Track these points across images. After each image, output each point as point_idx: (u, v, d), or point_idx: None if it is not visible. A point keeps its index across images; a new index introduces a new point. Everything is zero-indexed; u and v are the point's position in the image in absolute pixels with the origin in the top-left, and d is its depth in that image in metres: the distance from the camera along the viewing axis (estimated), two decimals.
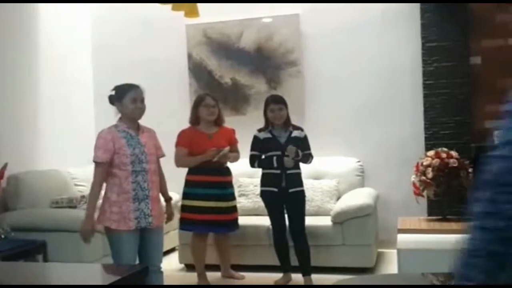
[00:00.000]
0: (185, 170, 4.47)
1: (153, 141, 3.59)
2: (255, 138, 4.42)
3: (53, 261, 4.18)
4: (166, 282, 4.36)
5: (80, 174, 5.17)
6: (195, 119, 4.46)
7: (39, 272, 2.32)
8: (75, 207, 4.72)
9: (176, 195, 4.58)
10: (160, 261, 3.64)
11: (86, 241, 3.42)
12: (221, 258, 4.57)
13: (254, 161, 4.42)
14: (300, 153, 4.25)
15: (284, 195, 4.29)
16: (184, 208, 4.43)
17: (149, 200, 3.43)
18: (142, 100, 3.52)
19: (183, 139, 4.41)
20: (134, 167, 3.39)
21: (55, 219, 4.48)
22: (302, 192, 4.36)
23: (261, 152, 4.40)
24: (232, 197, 4.49)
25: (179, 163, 4.40)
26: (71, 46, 5.90)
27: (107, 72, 5.93)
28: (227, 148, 4.34)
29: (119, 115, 3.51)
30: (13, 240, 4.22)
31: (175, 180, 4.29)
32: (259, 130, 4.43)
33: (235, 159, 4.52)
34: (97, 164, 3.39)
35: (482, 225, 0.98)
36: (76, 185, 5.17)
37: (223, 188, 4.41)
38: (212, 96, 4.55)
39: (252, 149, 4.42)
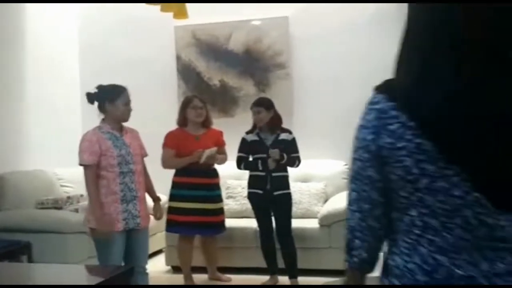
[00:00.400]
0: (172, 172, 4.45)
1: (137, 141, 3.62)
2: (243, 140, 4.43)
3: (38, 262, 4.13)
4: (152, 284, 4.34)
5: (66, 175, 5.13)
6: (182, 120, 4.45)
7: (24, 272, 2.30)
8: (60, 208, 4.68)
9: (163, 197, 4.55)
10: (146, 262, 3.64)
11: (109, 241, 3.36)
12: (207, 260, 4.55)
13: (240, 163, 4.44)
14: (285, 156, 4.25)
15: (269, 197, 4.29)
16: (170, 210, 4.41)
17: (136, 201, 3.45)
18: (130, 102, 3.58)
19: (170, 141, 4.40)
20: (121, 168, 3.40)
21: (41, 220, 4.45)
22: (288, 194, 4.35)
23: (248, 154, 4.41)
24: (219, 199, 4.48)
25: (166, 164, 4.39)
26: (58, 46, 5.86)
27: (94, 72, 5.88)
28: (214, 149, 4.33)
29: (102, 116, 3.51)
30: None
31: (162, 181, 4.28)
32: (247, 132, 4.44)
33: (223, 161, 4.52)
34: (86, 167, 3.39)
35: (353, 208, 1.31)
36: (62, 186, 5.13)
37: (210, 190, 4.40)
38: (199, 98, 4.55)
39: (240, 151, 4.43)
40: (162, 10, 4.62)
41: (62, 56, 5.91)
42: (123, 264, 3.41)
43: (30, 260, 4.20)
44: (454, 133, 1.12)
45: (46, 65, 5.58)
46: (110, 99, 3.48)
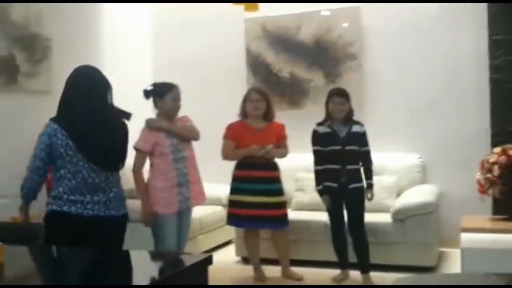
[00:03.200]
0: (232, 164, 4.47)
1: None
2: (315, 132, 4.37)
3: None
4: (223, 274, 4.40)
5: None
6: (243, 113, 4.45)
7: (104, 259, 2.37)
8: (135, 197, 4.81)
9: (226, 188, 4.61)
10: (185, 244, 3.90)
11: (150, 225, 3.72)
12: (278, 254, 4.52)
13: (318, 157, 4.34)
14: (370, 194, 4.29)
15: (343, 190, 4.23)
16: (231, 203, 4.42)
17: (189, 184, 3.78)
18: (180, 99, 3.84)
19: (230, 133, 4.41)
20: (175, 155, 3.73)
21: None
22: (362, 188, 4.28)
23: (320, 147, 4.34)
24: (280, 192, 4.41)
25: (225, 155, 4.41)
26: (132, 41, 6.02)
27: (167, 66, 6.03)
28: (270, 145, 4.29)
29: (157, 111, 3.84)
30: None
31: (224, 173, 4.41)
32: (318, 124, 4.37)
33: (283, 155, 4.47)
34: (137, 150, 3.71)
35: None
36: None
37: (271, 183, 4.37)
38: (258, 91, 4.50)
39: (314, 144, 4.37)
40: (234, 2, 4.63)
41: (136, 50, 6.08)
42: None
43: None
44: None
45: (121, 59, 5.74)
46: (160, 95, 3.79)
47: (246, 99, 4.43)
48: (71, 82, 2.92)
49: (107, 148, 2.84)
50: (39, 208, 3.02)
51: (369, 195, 4.27)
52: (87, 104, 2.83)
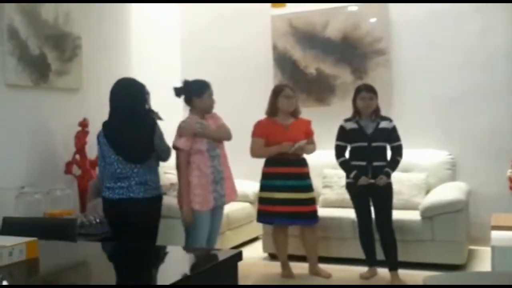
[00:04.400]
0: (261, 162, 4.47)
1: (215, 124, 3.93)
2: (341, 128, 4.35)
3: None
4: (250, 270, 4.42)
5: (169, 162, 5.30)
6: (273, 109, 4.42)
7: (136, 254, 2.41)
8: (165, 194, 4.85)
9: (255, 185, 4.62)
10: (216, 241, 3.95)
11: (190, 223, 3.77)
12: (306, 250, 4.51)
13: (339, 153, 4.34)
14: (390, 172, 4.19)
15: (370, 187, 4.20)
16: (261, 200, 4.43)
17: (224, 181, 3.87)
18: (213, 95, 3.94)
19: (259, 130, 4.41)
20: (210, 153, 3.81)
21: None
22: (389, 184, 4.24)
23: (346, 143, 4.32)
24: (310, 188, 4.40)
25: (255, 153, 4.41)
26: (161, 37, 6.07)
27: (194, 62, 6.08)
28: (303, 142, 4.28)
29: (188, 108, 3.94)
30: (107, 224, 4.42)
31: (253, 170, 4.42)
32: (346, 120, 4.35)
33: (311, 151, 4.45)
34: (180, 150, 3.76)
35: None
36: (165, 173, 5.32)
37: (301, 179, 4.36)
38: (290, 87, 4.52)
39: (338, 139, 4.35)
40: (273, 6, 4.62)
41: (164, 48, 6.12)
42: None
43: None
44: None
45: (149, 57, 5.79)
46: (198, 93, 3.85)
47: (277, 95, 4.41)
48: (111, 92, 3.57)
49: (132, 145, 3.45)
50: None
51: (380, 180, 4.15)
52: (120, 109, 3.49)
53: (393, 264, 4.22)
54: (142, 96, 3.56)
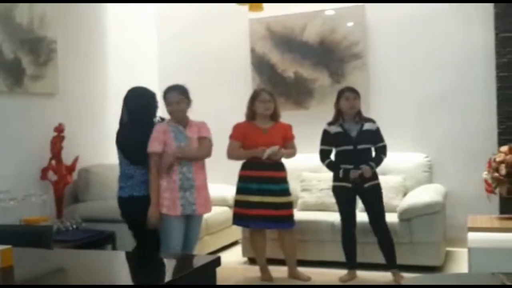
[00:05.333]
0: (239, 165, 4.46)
1: (198, 134, 3.86)
2: (325, 132, 4.36)
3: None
4: (229, 274, 4.40)
5: None
6: (251, 113, 4.43)
7: (109, 260, 2.38)
8: None
9: (232, 188, 4.61)
10: (193, 250, 3.90)
11: (155, 227, 3.75)
12: (285, 254, 4.50)
13: (324, 157, 4.35)
14: (374, 166, 4.22)
15: (357, 190, 4.23)
16: (237, 203, 4.42)
17: (194, 190, 3.80)
18: (178, 102, 3.82)
19: (237, 132, 4.41)
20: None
21: None
22: (378, 184, 4.28)
23: (331, 146, 4.33)
24: (286, 193, 4.40)
25: (230, 155, 4.41)
26: (137, 41, 6.02)
27: (171, 65, 6.04)
28: (276, 147, 4.29)
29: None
30: (84, 231, 4.38)
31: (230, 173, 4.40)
32: (329, 124, 4.36)
33: (291, 155, 4.46)
34: (151, 154, 3.76)
35: None
36: None
37: (277, 183, 4.36)
38: (267, 91, 4.53)
39: (322, 143, 4.36)
40: (238, 3, 4.63)
41: (141, 51, 6.08)
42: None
43: (114, 249, 4.37)
44: None
45: (126, 60, 5.75)
46: (163, 98, 3.91)
47: (255, 100, 4.42)
48: (124, 100, 3.90)
49: (133, 148, 3.77)
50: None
51: (366, 170, 4.18)
52: (129, 116, 3.86)
53: (393, 263, 4.24)
54: (150, 105, 3.86)
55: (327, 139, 4.33)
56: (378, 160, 4.30)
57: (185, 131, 3.83)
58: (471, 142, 5.13)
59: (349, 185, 4.23)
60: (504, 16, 4.83)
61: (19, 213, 4.05)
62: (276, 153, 4.30)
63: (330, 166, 4.34)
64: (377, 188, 4.27)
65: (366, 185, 4.22)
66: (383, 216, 4.27)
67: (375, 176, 4.27)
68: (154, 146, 3.76)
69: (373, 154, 4.33)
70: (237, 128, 4.44)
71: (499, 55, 4.88)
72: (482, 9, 5.08)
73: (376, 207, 4.27)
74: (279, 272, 4.50)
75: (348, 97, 4.26)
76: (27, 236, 2.60)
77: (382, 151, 4.32)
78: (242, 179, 4.41)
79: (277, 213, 4.33)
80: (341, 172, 4.24)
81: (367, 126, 4.28)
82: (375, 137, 4.28)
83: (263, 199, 4.29)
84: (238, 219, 4.45)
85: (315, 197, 5.08)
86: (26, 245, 2.40)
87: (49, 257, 2.42)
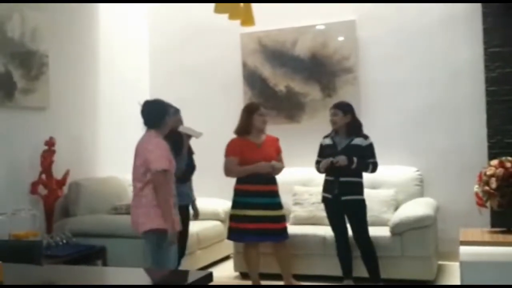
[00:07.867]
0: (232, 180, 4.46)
1: None
2: (320, 144, 4.45)
3: (112, 266, 4.24)
4: None
5: None
6: (247, 128, 4.40)
7: (99, 276, 2.35)
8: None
9: (227, 203, 4.59)
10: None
11: (173, 242, 3.59)
12: (281, 267, 4.49)
13: (317, 167, 4.42)
14: (355, 160, 4.18)
15: (338, 202, 4.23)
16: (233, 218, 4.40)
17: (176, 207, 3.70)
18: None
19: (232, 149, 4.38)
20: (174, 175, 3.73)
21: (115, 225, 4.57)
22: (358, 201, 4.27)
23: (323, 158, 4.35)
24: (279, 206, 4.41)
25: (230, 173, 4.38)
26: (129, 56, 6.03)
27: (163, 79, 6.04)
28: (275, 162, 4.33)
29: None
30: (74, 245, 4.33)
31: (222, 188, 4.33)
32: (325, 137, 4.44)
33: (280, 170, 4.45)
34: (165, 171, 3.54)
35: None
36: None
37: (272, 197, 4.37)
38: (263, 106, 4.60)
39: (317, 155, 4.43)
40: (230, 18, 4.65)
41: (133, 64, 6.08)
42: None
43: (104, 264, 4.33)
44: None
45: (118, 74, 5.75)
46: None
47: (253, 113, 4.40)
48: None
49: None
50: None
51: (340, 159, 4.18)
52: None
53: (376, 276, 4.24)
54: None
55: (320, 150, 4.42)
56: (364, 163, 4.26)
57: None
58: (461, 156, 5.16)
59: (330, 196, 4.27)
60: (492, 31, 4.89)
61: (8, 228, 4.00)
62: (280, 168, 4.37)
63: (317, 165, 4.40)
64: (356, 204, 4.27)
65: (344, 198, 4.23)
66: (364, 231, 4.27)
67: (355, 192, 4.26)
68: (168, 163, 3.57)
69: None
70: (231, 144, 4.41)
71: (488, 69, 4.93)
72: (470, 25, 5.14)
73: (355, 222, 4.29)
74: None
75: (331, 113, 4.35)
76: (17, 251, 2.57)
77: (373, 169, 4.32)
78: (239, 193, 4.38)
79: (271, 226, 4.34)
80: (320, 164, 4.31)
81: (356, 141, 4.30)
82: (364, 152, 4.28)
83: (258, 213, 4.29)
84: (233, 233, 4.43)
85: (307, 211, 5.07)
86: (15, 260, 2.37)
87: (39, 273, 2.39)
